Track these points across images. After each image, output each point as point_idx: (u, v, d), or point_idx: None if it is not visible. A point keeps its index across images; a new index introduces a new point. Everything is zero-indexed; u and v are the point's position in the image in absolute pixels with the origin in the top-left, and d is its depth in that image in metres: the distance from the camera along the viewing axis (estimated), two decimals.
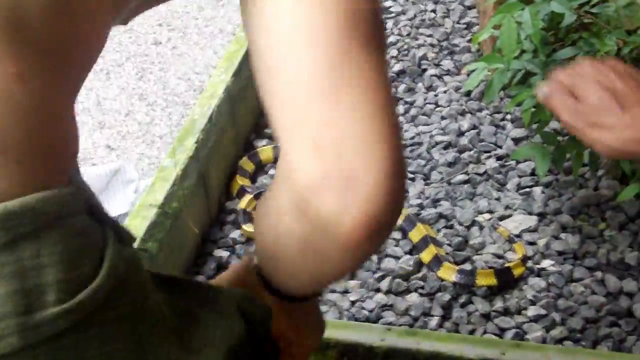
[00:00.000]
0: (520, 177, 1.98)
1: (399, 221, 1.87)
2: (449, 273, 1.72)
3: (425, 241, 1.80)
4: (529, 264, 1.75)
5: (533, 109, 1.68)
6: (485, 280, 1.69)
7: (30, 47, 0.61)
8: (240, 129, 2.17)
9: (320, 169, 0.58)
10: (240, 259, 1.82)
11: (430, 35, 2.53)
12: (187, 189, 1.84)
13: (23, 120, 0.61)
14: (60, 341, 0.63)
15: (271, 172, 2.11)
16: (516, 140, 2.08)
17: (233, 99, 2.10)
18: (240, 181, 2.03)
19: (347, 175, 0.58)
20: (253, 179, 2.09)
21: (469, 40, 2.48)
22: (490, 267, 1.74)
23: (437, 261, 1.75)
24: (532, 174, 1.96)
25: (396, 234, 1.87)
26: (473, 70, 1.76)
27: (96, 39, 0.68)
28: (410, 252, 1.82)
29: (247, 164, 2.09)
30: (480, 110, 2.21)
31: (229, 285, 0.88)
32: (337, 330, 1.53)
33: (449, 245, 1.83)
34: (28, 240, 0.61)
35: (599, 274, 1.71)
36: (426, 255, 1.78)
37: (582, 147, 1.72)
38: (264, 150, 2.14)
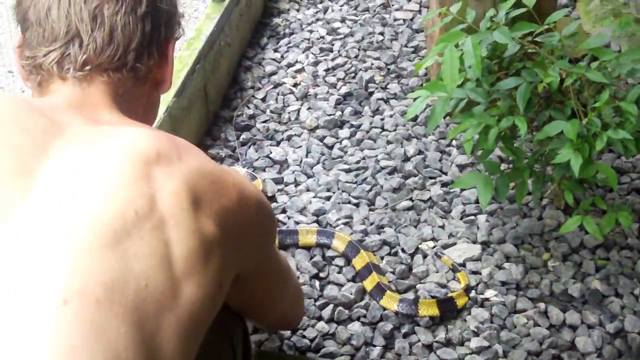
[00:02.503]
0: (464, 204, 1.96)
1: (343, 248, 1.83)
2: (391, 302, 1.69)
3: (368, 269, 1.76)
4: (472, 293, 1.73)
5: (476, 137, 1.66)
6: (428, 310, 1.67)
7: None
8: None
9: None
10: None
11: (377, 58, 2.51)
12: None
13: None
14: None
15: None
16: (461, 167, 2.07)
17: (175, 119, 2.05)
18: None
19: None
20: None
21: None
22: (433, 297, 1.71)
23: (379, 290, 1.72)
24: (477, 201, 1.95)
25: (340, 261, 1.83)
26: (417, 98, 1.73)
27: None
28: (353, 280, 1.79)
29: None
30: (426, 135, 2.19)
31: None
32: None
33: (393, 273, 1.80)
34: None
35: (542, 306, 1.69)
36: (369, 284, 1.74)
37: (526, 177, 1.71)
38: None
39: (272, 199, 2.04)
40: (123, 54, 1.12)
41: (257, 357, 1.50)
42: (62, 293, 0.84)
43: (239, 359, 1.29)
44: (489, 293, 1.73)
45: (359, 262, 1.79)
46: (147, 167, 0.95)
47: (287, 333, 1.67)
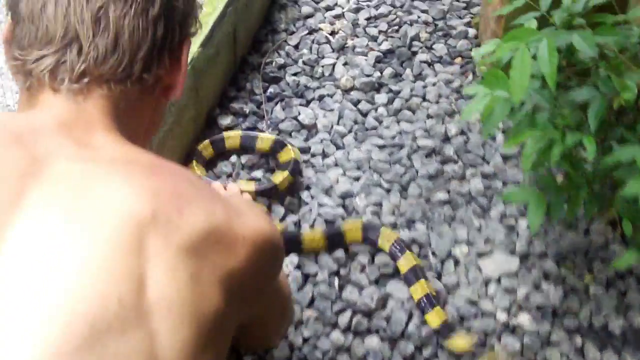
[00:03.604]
0: (505, 204, 1.79)
1: (388, 246, 1.67)
2: (436, 320, 1.55)
3: (415, 273, 1.61)
4: (505, 316, 1.58)
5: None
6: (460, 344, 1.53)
7: None
8: (202, 105, 1.92)
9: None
10: None
11: (425, 11, 2.28)
12: None
13: None
14: None
15: (233, 159, 1.88)
16: (505, 158, 1.89)
17: (198, 72, 1.85)
18: (197, 169, 1.81)
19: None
20: (210, 166, 1.87)
21: (467, 23, 2.24)
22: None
23: (428, 302, 1.57)
24: None
25: (363, 258, 1.68)
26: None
27: None
28: (376, 282, 1.64)
29: (206, 150, 1.86)
30: None
31: None
32: None
33: None
34: None
35: (578, 340, 1.55)
36: (417, 292, 1.59)
37: (583, 195, 1.53)
38: (231, 136, 1.89)
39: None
40: (129, 63, 0.94)
41: None
42: None
43: None
44: (522, 318, 1.59)
45: (405, 264, 1.63)
46: (139, 233, 0.80)
47: (299, 342, 1.54)
